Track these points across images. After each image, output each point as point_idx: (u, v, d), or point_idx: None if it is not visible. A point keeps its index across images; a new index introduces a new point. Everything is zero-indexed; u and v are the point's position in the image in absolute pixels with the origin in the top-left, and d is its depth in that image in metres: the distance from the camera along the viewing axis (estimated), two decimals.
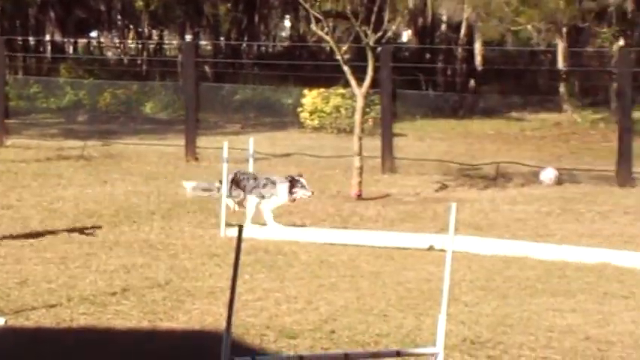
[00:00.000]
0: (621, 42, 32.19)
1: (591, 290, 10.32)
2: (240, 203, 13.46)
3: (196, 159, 21.61)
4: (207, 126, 26.59)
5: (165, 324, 8.83)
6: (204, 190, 14.20)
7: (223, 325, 5.70)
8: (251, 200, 13.35)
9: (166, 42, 53.56)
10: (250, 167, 13.97)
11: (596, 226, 14.49)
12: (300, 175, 13.59)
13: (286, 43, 54.78)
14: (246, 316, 8.81)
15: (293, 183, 13.27)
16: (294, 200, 13.41)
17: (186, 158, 21.65)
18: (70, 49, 49.93)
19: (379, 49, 19.30)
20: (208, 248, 12.18)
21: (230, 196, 13.36)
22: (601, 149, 24.87)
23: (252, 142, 14.20)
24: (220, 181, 13.40)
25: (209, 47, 47.38)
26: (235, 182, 13.39)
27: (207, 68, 37.67)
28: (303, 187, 13.30)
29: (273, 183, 13.34)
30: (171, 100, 33.43)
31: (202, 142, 22.27)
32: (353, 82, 17.50)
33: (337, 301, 9.67)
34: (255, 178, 13.47)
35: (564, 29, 35.75)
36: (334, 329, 8.66)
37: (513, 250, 12.27)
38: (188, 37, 45.95)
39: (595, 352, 8.17)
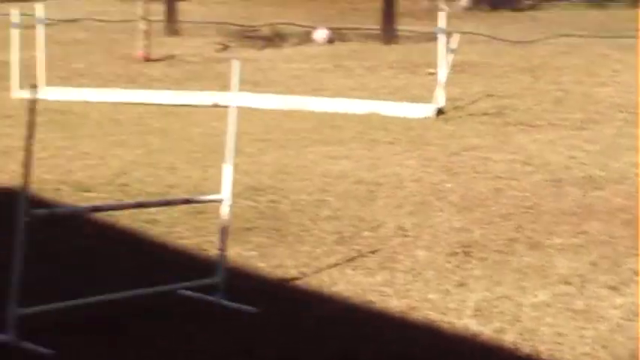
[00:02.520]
0: None
1: (361, 138, 10.48)
2: None
3: None
4: None
5: None
6: None
7: (19, 181, 5.49)
8: None
9: None
10: (41, 34, 13.41)
11: (364, 80, 14.65)
12: None
13: None
14: (42, 173, 8.55)
15: None
16: None
17: None
18: None
19: None
20: (0, 110, 11.74)
21: None
22: (367, 9, 25.07)
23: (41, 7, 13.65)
24: None
25: None
26: None
27: None
28: None
29: None
30: None
31: None
32: None
33: (128, 157, 9.52)
34: None
35: None
36: (126, 182, 8.54)
37: (290, 104, 12.31)
38: None
39: (365, 193, 8.33)
